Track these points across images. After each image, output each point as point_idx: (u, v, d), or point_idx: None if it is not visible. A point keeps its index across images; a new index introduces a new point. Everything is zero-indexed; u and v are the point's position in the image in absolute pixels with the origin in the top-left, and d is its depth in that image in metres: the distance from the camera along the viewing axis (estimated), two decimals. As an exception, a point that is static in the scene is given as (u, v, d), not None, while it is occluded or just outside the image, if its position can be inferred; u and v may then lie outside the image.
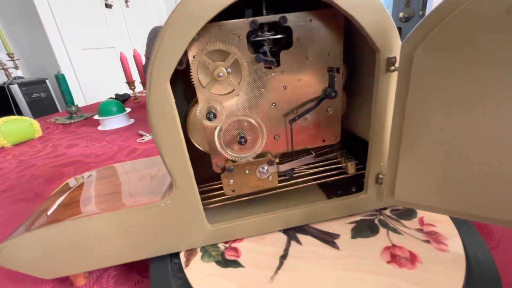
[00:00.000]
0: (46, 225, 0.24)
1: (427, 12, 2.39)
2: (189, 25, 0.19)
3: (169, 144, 0.22)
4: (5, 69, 1.68)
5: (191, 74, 0.22)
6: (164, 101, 0.20)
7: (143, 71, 1.02)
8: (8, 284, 0.29)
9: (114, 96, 1.27)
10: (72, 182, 0.34)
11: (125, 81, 1.13)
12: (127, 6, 2.36)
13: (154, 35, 0.82)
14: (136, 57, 1.05)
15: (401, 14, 3.04)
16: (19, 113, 1.74)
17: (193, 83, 0.23)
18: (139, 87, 1.41)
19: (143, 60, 1.05)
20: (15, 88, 1.71)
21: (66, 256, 0.25)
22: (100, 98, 2.07)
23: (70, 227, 0.24)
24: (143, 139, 0.70)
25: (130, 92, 1.74)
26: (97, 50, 2.15)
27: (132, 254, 0.26)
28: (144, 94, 1.33)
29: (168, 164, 0.23)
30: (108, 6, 2.19)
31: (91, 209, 0.25)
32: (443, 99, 0.20)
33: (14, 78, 1.76)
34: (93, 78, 2.11)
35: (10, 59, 1.68)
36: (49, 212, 0.26)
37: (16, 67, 1.75)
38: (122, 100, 1.23)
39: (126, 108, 0.90)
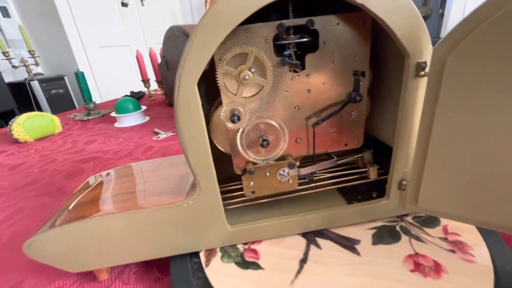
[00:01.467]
0: (73, 221, 0.25)
1: (446, 10, 2.30)
2: (219, 29, 0.19)
3: (194, 145, 0.22)
4: (26, 66, 1.75)
5: (217, 78, 0.23)
6: (191, 103, 0.21)
7: (159, 69, 1.04)
8: (34, 275, 0.30)
9: (129, 94, 1.29)
10: (94, 179, 0.35)
11: (140, 79, 1.15)
12: (143, 4, 2.40)
13: (170, 35, 0.83)
14: (152, 56, 1.07)
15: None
16: (39, 108, 1.81)
17: (219, 86, 0.23)
18: (153, 85, 1.43)
19: (159, 59, 1.07)
20: (35, 84, 1.77)
21: (91, 251, 0.26)
22: (115, 95, 2.12)
23: (96, 224, 0.25)
24: (159, 137, 0.71)
25: (144, 89, 1.77)
26: (113, 48, 2.20)
27: (153, 252, 0.27)
28: (158, 92, 1.35)
29: (193, 165, 0.23)
30: (124, 4, 2.23)
31: (115, 206, 0.26)
32: (476, 107, 0.20)
33: (35, 75, 1.82)
34: (108, 75, 2.16)
35: (31, 56, 1.74)
36: (75, 209, 0.27)
37: (37, 64, 1.81)
38: (137, 97, 1.25)
39: (142, 106, 0.91)
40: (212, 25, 0.19)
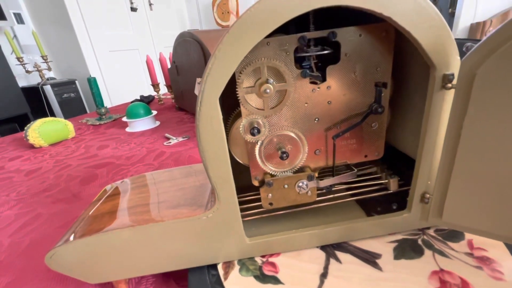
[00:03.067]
0: (93, 233, 0.25)
1: (457, 9, 2.26)
2: (243, 44, 0.19)
3: (215, 159, 0.22)
4: (39, 71, 1.79)
5: (237, 93, 0.22)
6: (213, 117, 0.21)
7: (168, 74, 1.05)
8: (53, 284, 0.31)
9: (139, 98, 1.31)
10: (111, 189, 0.35)
11: (150, 83, 1.16)
12: (151, 9, 2.44)
13: (180, 40, 0.83)
14: (161, 61, 1.08)
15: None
16: (51, 111, 1.85)
17: (239, 100, 0.23)
18: (163, 89, 1.45)
19: (168, 64, 1.08)
20: (47, 89, 1.81)
21: (110, 263, 0.26)
22: (124, 99, 2.15)
23: (115, 237, 0.25)
24: (170, 142, 0.72)
25: (154, 93, 1.80)
26: (122, 52, 2.23)
27: (171, 264, 0.27)
28: (168, 96, 1.36)
29: (213, 179, 0.23)
30: (133, 9, 2.27)
31: (134, 219, 0.26)
32: (507, 120, 0.19)
33: (47, 79, 1.86)
34: (118, 79, 2.20)
35: (43, 61, 1.78)
36: (94, 220, 0.27)
37: (49, 69, 1.86)
38: (146, 101, 1.27)
39: (153, 111, 0.92)
40: (236, 40, 0.19)
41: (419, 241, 0.27)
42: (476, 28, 2.03)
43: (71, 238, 0.25)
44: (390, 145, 0.31)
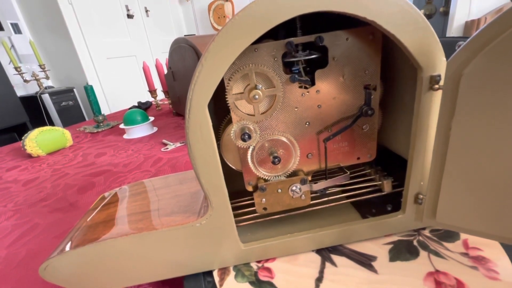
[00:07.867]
0: (87, 243, 0.25)
1: (451, 8, 2.27)
2: (229, 52, 0.19)
3: (206, 166, 0.22)
4: (37, 80, 1.80)
5: (226, 99, 0.22)
6: (202, 125, 0.21)
7: (165, 80, 1.05)
8: (50, 295, 0.30)
9: (137, 104, 1.31)
10: (107, 197, 0.35)
11: (148, 89, 1.17)
12: (147, 15, 2.45)
13: (176, 47, 0.84)
14: (158, 67, 1.09)
15: (421, 12, 2.90)
16: (50, 120, 1.85)
17: (229, 106, 0.23)
18: (161, 95, 1.45)
19: (165, 69, 1.08)
20: (46, 97, 1.81)
21: (106, 272, 0.26)
22: (123, 105, 2.15)
23: (110, 246, 0.25)
24: (167, 148, 0.72)
25: (151, 99, 1.80)
26: (120, 59, 2.24)
27: (166, 272, 0.26)
28: (165, 102, 1.37)
29: (205, 186, 0.23)
30: (129, 16, 2.29)
31: (129, 228, 0.26)
32: (496, 119, 0.19)
33: (45, 88, 1.87)
34: (116, 86, 2.20)
35: (41, 70, 1.79)
36: (88, 230, 0.27)
37: (47, 77, 1.86)
38: (144, 108, 1.27)
39: (150, 117, 0.93)
40: (222, 48, 0.19)
41: (415, 242, 0.27)
42: (470, 25, 2.04)
43: (65, 248, 0.25)
44: (384, 147, 0.31)
